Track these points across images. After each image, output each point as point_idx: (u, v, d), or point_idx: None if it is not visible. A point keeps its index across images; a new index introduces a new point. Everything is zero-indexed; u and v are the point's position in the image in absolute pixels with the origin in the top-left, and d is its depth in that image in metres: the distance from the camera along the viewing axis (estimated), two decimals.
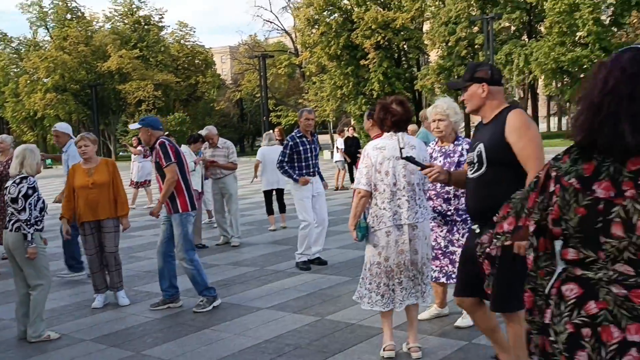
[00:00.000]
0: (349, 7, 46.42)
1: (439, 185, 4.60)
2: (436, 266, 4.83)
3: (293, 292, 6.37)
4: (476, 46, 41.67)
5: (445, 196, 4.72)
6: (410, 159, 3.54)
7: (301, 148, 7.39)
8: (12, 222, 5.19)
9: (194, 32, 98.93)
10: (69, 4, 58.71)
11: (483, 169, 3.27)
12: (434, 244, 4.77)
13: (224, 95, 64.57)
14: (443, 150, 4.80)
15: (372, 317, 5.19)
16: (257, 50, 54.61)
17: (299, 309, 5.76)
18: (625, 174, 1.53)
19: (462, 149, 4.67)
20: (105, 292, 6.36)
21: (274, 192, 10.64)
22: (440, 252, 4.83)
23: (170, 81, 56.35)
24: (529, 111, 46.36)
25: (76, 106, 54.98)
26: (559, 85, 42.68)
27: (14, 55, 61.09)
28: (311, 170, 7.49)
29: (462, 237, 4.64)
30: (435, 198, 4.77)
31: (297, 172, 7.39)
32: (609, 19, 38.98)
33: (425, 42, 45.27)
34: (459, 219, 4.73)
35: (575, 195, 1.60)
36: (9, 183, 5.31)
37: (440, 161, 4.75)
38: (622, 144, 1.51)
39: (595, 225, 1.56)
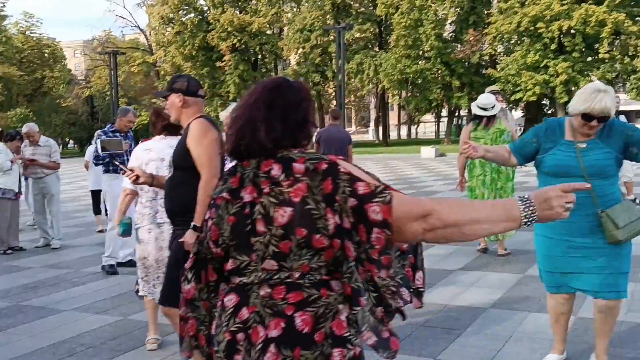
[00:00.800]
0: (206, 7, 46.07)
1: None
2: None
3: (103, 293, 6.31)
4: (333, 54, 42.99)
5: None
6: (114, 165, 3.79)
7: None
8: None
9: (41, 23, 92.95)
10: None
11: (171, 172, 3.55)
12: None
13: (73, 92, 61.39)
14: None
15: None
16: (109, 46, 52.53)
17: (104, 310, 5.72)
18: (261, 175, 1.74)
19: None
20: None
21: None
22: None
23: (12, 74, 52.63)
24: (382, 120, 48.47)
25: None
26: (406, 95, 44.97)
27: None
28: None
29: None
30: None
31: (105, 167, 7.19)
32: (450, 35, 41.88)
33: (282, 47, 46.02)
34: None
35: (227, 206, 1.78)
36: None
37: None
38: (259, 143, 1.74)
39: (245, 229, 1.73)
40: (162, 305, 3.67)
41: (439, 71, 38.51)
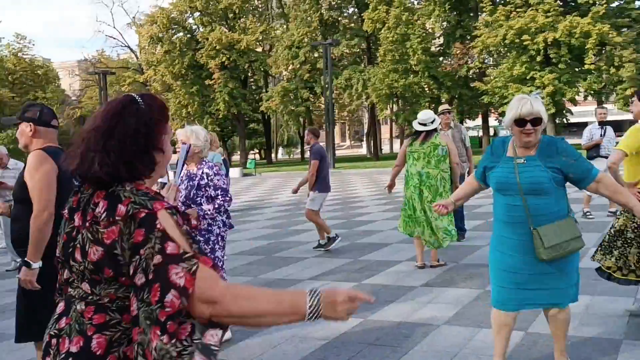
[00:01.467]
0: (194, 26, 46.34)
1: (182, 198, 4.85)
2: None
3: None
4: (322, 70, 43.17)
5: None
6: None
7: None
8: None
9: (33, 44, 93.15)
10: None
11: (13, 204, 3.57)
12: None
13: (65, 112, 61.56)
14: (188, 173, 5.06)
15: None
16: (100, 66, 52.77)
17: None
18: (91, 206, 1.76)
19: (203, 172, 4.96)
20: None
21: None
22: None
23: (4, 96, 52.80)
24: (373, 134, 48.49)
25: None
26: (394, 109, 45.11)
27: None
28: None
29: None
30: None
31: None
32: (437, 49, 42.13)
33: (270, 64, 46.17)
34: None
35: (65, 223, 1.85)
36: None
37: (185, 184, 4.99)
38: (93, 173, 1.74)
39: (69, 250, 1.79)
40: (18, 342, 3.54)
41: (427, 85, 38.68)
